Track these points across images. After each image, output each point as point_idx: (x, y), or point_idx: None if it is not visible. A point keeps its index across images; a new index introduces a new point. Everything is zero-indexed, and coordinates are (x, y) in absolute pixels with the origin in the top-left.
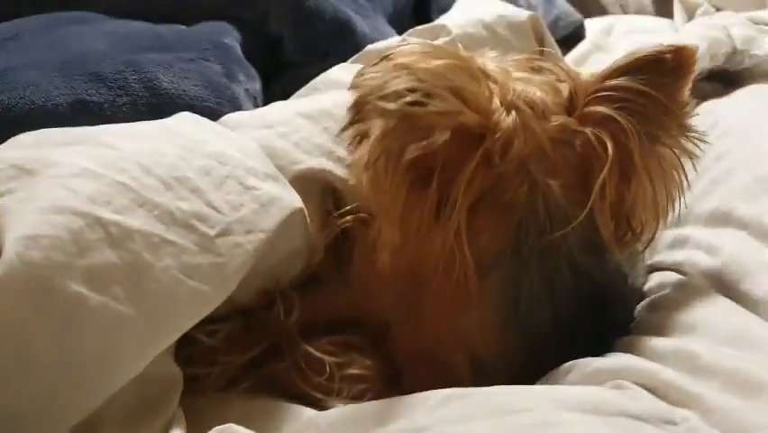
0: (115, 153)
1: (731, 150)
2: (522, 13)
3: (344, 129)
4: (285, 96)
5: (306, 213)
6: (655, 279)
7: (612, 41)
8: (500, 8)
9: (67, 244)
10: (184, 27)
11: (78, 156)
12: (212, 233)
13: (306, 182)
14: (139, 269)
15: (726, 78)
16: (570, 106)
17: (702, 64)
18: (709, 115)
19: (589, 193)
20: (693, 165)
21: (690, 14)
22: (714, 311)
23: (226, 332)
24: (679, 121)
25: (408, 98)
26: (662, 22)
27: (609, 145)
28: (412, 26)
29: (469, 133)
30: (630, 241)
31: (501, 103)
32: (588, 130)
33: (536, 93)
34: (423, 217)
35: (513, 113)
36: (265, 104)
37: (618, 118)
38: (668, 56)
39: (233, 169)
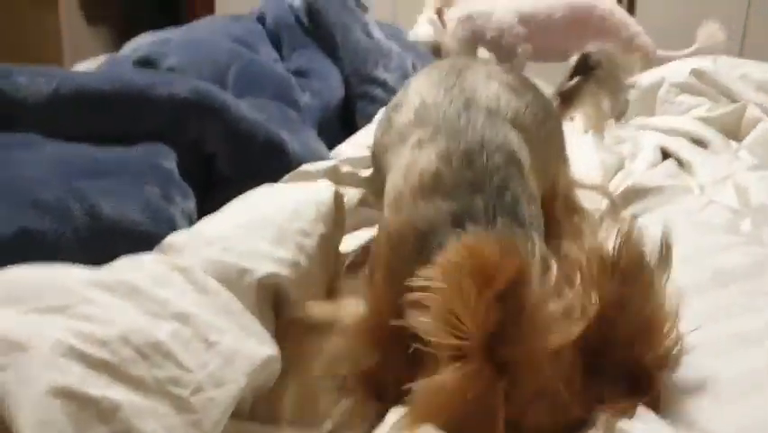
0: (93, 327)
1: None
2: None
3: None
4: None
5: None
6: None
7: None
8: None
9: (66, 427)
10: (122, 149)
11: (61, 331)
12: (185, 393)
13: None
14: None
15: None
16: None
17: None
18: None
19: None
20: None
21: None
22: None
23: None
24: None
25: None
26: None
27: None
28: (338, 134)
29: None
30: None
31: None
32: None
33: None
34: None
35: None
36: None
37: None
38: None
39: (196, 328)
